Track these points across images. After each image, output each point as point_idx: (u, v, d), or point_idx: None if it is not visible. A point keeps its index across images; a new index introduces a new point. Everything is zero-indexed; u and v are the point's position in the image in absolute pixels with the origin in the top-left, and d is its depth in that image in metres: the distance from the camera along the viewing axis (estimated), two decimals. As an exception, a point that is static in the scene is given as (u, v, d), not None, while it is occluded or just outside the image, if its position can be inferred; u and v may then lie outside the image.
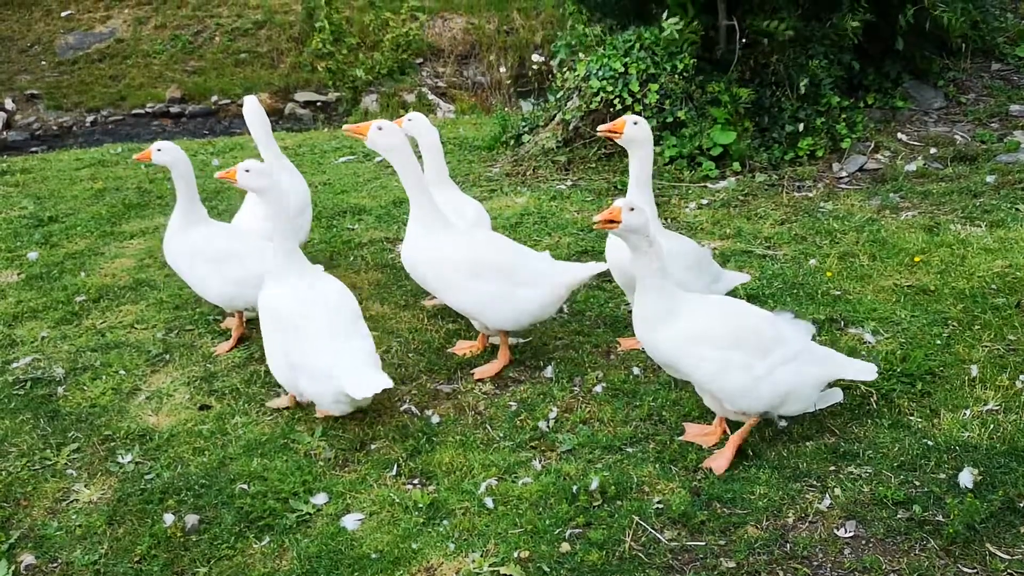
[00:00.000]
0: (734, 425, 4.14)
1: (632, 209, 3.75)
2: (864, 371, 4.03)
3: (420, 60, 17.03)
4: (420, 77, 16.70)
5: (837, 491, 3.78)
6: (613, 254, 4.78)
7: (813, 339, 4.20)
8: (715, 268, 4.98)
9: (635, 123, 4.59)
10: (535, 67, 13.09)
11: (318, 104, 16.23)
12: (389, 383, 4.13)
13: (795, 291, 5.51)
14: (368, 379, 4.14)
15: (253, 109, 5.83)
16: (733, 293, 5.09)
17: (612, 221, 3.75)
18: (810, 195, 7.20)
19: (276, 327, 4.39)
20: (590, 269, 4.73)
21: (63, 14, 18.08)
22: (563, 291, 4.71)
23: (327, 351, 4.24)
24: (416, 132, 5.35)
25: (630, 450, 4.15)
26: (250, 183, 4.49)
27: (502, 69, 15.76)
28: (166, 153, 5.13)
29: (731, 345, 3.85)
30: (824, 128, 7.88)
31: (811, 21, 8.00)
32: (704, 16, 7.83)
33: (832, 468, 3.93)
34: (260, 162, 4.55)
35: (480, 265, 4.62)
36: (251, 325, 5.38)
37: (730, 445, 4.02)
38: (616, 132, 4.60)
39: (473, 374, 4.84)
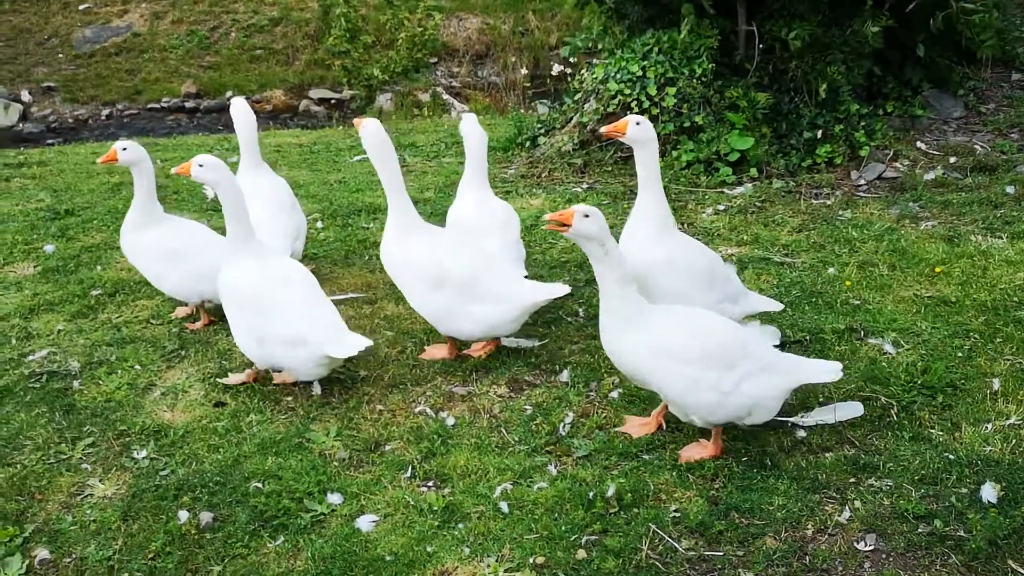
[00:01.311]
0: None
1: (587, 216, 3.80)
2: (827, 371, 4.00)
3: (435, 59, 17.02)
4: (435, 76, 16.70)
5: (857, 504, 3.74)
6: (626, 244, 4.76)
7: (786, 347, 4.15)
8: (734, 287, 4.78)
9: (637, 123, 4.58)
10: (554, 74, 13.10)
11: (332, 102, 16.25)
12: (368, 342, 4.46)
13: (814, 299, 5.47)
14: (347, 340, 4.47)
15: (241, 111, 5.87)
16: None
17: (564, 224, 3.80)
18: (828, 203, 7.16)
19: (241, 307, 4.61)
20: (550, 292, 4.70)
21: (81, 7, 18.14)
22: (519, 312, 4.74)
23: (298, 319, 4.49)
24: (463, 132, 5.53)
25: (647, 457, 4.12)
26: (203, 176, 4.67)
27: (520, 71, 15.74)
28: (131, 152, 5.29)
29: (699, 360, 3.85)
30: (843, 135, 7.83)
31: (831, 27, 7.96)
32: (723, 21, 7.79)
33: (852, 480, 3.89)
34: (213, 156, 4.72)
35: (441, 276, 4.72)
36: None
37: (714, 441, 4.08)
38: (619, 132, 4.60)
39: (422, 353, 5.04)
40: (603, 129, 4.75)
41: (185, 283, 5.30)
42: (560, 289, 4.70)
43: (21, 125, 15.52)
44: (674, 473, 3.98)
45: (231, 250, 4.71)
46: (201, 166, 4.66)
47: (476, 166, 5.49)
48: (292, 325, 4.50)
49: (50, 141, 14.09)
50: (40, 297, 5.97)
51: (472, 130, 5.47)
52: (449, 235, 5.00)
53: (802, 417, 4.29)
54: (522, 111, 11.16)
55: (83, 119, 15.82)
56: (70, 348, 5.29)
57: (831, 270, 5.89)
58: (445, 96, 15.68)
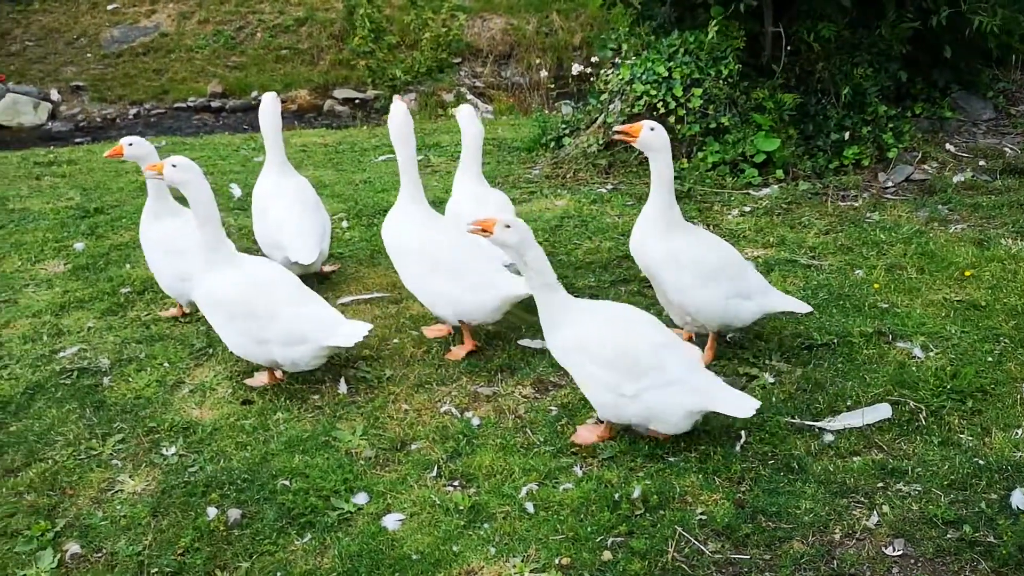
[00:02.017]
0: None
1: (508, 227, 4.00)
2: (742, 407, 3.95)
3: (459, 60, 17.05)
4: (458, 77, 16.73)
5: (885, 508, 3.71)
6: (634, 243, 4.83)
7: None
8: (749, 284, 4.72)
9: (652, 129, 4.59)
10: (574, 74, 13.10)
11: (356, 102, 16.31)
12: (369, 325, 4.65)
13: (841, 302, 5.43)
14: (350, 328, 4.59)
15: (269, 108, 5.85)
16: None
17: (485, 231, 4.03)
18: (855, 205, 7.10)
19: (232, 316, 4.62)
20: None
21: (109, 8, 18.34)
22: (498, 303, 4.87)
23: (294, 318, 4.56)
24: (460, 123, 5.65)
25: (672, 459, 4.11)
26: (174, 177, 4.65)
27: (543, 73, 15.73)
28: (136, 148, 5.34)
29: (606, 362, 3.99)
30: (870, 137, 7.76)
31: (858, 29, 7.89)
32: (750, 22, 7.76)
33: (880, 485, 3.86)
34: (185, 157, 4.73)
35: (435, 263, 4.89)
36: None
37: (596, 431, 4.24)
38: (631, 136, 4.60)
39: (448, 355, 5.08)
40: (616, 128, 4.76)
41: (176, 282, 5.33)
42: None
43: (50, 124, 15.72)
44: (700, 476, 3.97)
45: (204, 258, 4.66)
46: (174, 166, 4.64)
47: (472, 159, 5.58)
48: (290, 325, 4.55)
49: (78, 140, 14.27)
50: (70, 294, 6.05)
51: (468, 123, 5.52)
52: (446, 223, 5.15)
53: (829, 421, 4.27)
54: (546, 111, 11.16)
55: (111, 118, 15.99)
56: (100, 345, 5.36)
57: (859, 273, 5.85)
58: (469, 96, 15.70)
